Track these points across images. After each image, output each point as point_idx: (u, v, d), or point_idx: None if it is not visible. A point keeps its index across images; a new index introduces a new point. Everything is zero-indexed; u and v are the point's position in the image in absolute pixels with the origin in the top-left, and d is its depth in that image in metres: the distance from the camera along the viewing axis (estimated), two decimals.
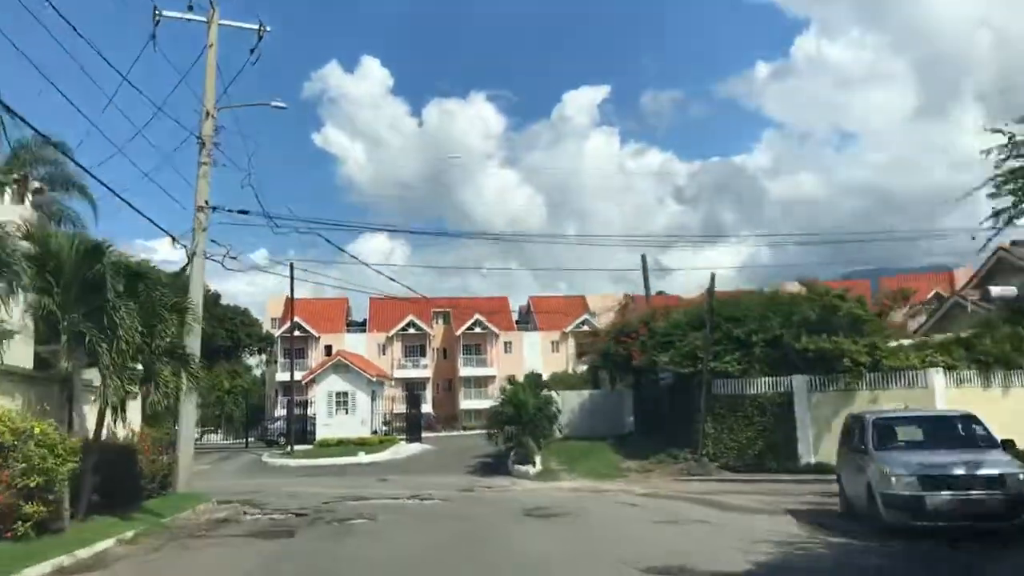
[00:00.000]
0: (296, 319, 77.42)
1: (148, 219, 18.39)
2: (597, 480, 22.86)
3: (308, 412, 39.53)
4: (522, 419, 26.97)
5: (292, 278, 35.80)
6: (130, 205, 16.82)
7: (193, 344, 19.03)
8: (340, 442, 36.15)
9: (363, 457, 33.25)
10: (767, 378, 23.18)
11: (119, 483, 15.46)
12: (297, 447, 36.28)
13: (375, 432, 37.89)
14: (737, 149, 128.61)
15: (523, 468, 25.84)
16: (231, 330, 39.61)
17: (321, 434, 36.97)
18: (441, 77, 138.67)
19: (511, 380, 32.27)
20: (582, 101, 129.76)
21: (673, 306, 29.19)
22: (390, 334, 76.16)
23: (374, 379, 37.66)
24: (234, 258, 20.88)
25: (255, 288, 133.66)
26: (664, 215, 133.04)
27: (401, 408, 40.49)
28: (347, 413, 37.12)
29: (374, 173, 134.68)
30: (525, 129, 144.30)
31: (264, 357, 41.95)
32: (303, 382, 40.54)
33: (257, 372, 55.25)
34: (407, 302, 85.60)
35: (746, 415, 23.26)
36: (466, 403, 74.70)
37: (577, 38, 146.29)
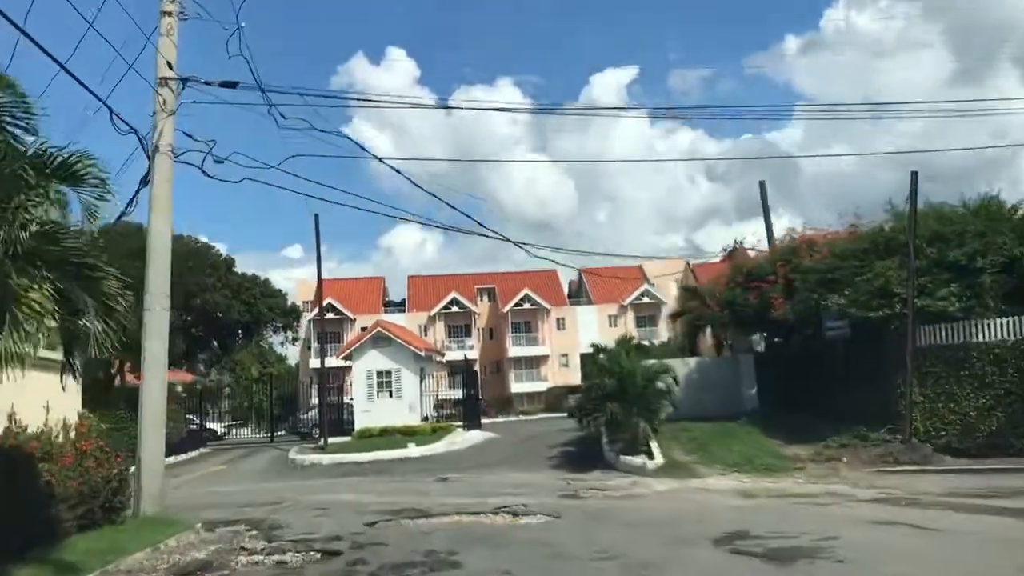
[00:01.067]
0: (328, 300, 71.55)
1: (81, 83, 11.14)
2: (760, 476, 15.83)
3: (344, 398, 32.81)
4: (627, 394, 19.94)
5: (317, 229, 29.04)
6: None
7: (158, 290, 12.45)
8: (384, 432, 29.40)
9: (413, 450, 26.44)
10: (1006, 319, 15.94)
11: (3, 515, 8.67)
12: (332, 440, 29.55)
13: (426, 419, 31.07)
14: (768, 125, 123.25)
15: (634, 460, 18.89)
16: (249, 303, 32.85)
17: (360, 423, 30.20)
18: (467, 64, 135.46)
19: (597, 348, 25.23)
20: (609, 82, 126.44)
21: (817, 242, 21.94)
22: (431, 313, 69.50)
23: (422, 354, 30.89)
24: (220, 161, 13.88)
25: (282, 277, 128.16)
26: (696, 194, 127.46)
27: (451, 393, 33.50)
28: (391, 396, 30.35)
29: (403, 163, 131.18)
30: (552, 115, 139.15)
31: (290, 335, 34.91)
32: (338, 358, 33.76)
33: (282, 350, 48.72)
34: (448, 279, 79.08)
35: (974, 374, 16.05)
36: (517, 386, 67.87)
37: (603, 19, 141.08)
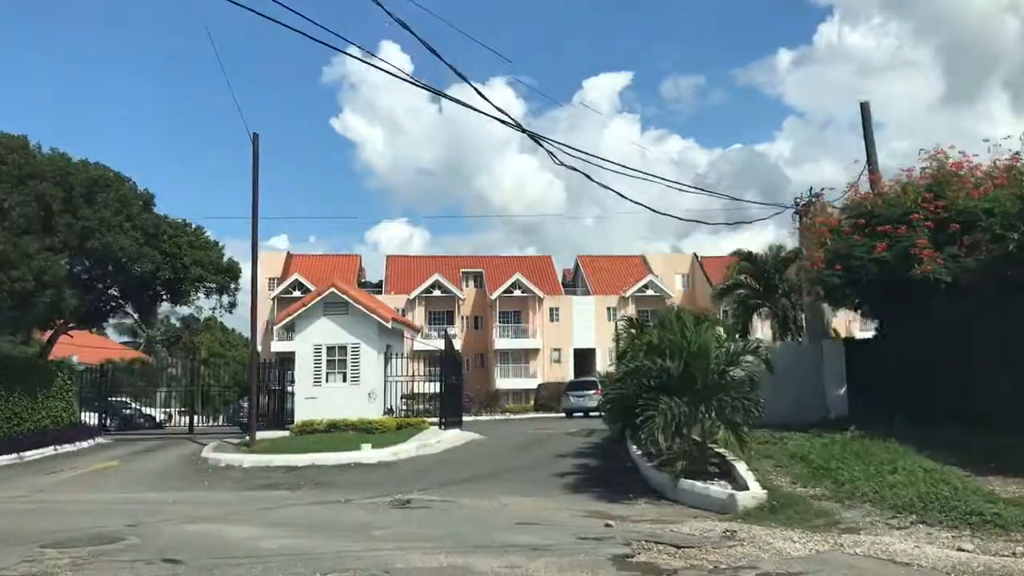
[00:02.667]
0: (296, 276, 64.15)
1: None
2: (983, 533, 8.56)
3: (285, 380, 25.37)
4: (695, 384, 12.72)
5: (255, 151, 21.58)
6: None
7: None
8: (333, 426, 22.06)
9: (368, 452, 19.21)
10: None
11: None
12: (267, 435, 22.24)
13: (391, 411, 23.62)
14: (758, 137, 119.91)
15: (709, 489, 11.80)
16: (171, 253, 25.30)
17: (303, 413, 22.75)
18: (460, 63, 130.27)
19: (633, 321, 18.01)
20: (603, 87, 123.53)
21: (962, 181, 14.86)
22: (411, 297, 62.25)
23: (389, 326, 23.43)
24: None
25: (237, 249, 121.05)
26: (686, 201, 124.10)
27: (427, 388, 26.04)
28: (345, 380, 22.92)
29: (393, 159, 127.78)
30: (545, 115, 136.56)
31: (226, 299, 27.45)
32: (277, 326, 26.33)
33: (213, 315, 41.15)
34: (431, 260, 71.52)
35: None
36: (503, 381, 60.66)
37: (598, 24, 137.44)
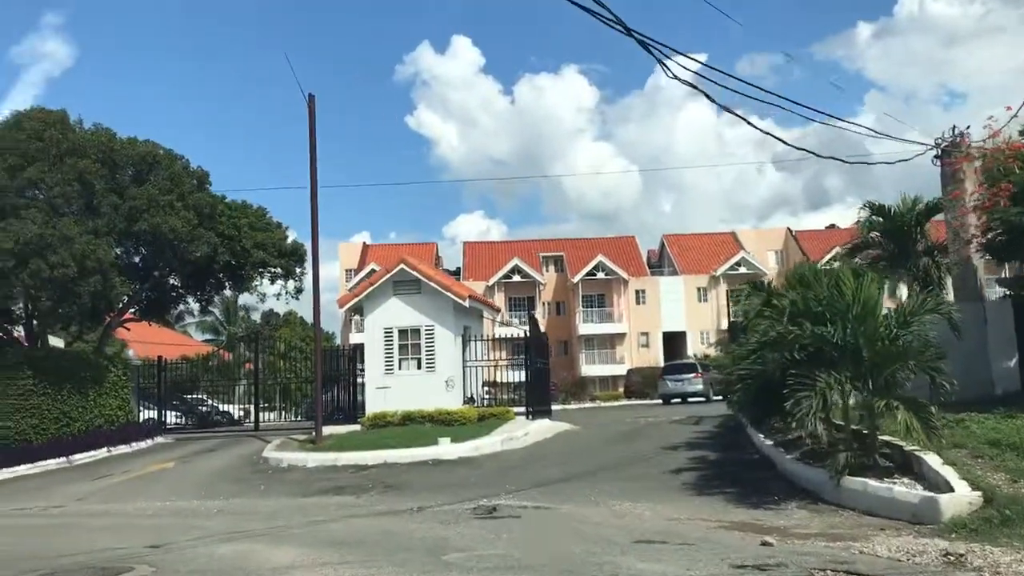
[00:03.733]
0: (373, 266, 62.28)
1: None
2: None
3: (356, 369, 23.04)
4: (862, 354, 9.76)
5: (312, 113, 19.20)
6: None
7: None
8: (408, 418, 19.64)
9: (447, 447, 16.68)
10: None
11: None
12: (336, 430, 19.94)
13: (471, 401, 21.09)
14: (839, 112, 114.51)
15: (894, 491, 8.89)
16: (230, 236, 23.22)
17: (374, 405, 20.37)
18: (532, 53, 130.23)
19: (757, 284, 15.05)
20: (676, 70, 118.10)
21: None
22: (489, 283, 59.84)
23: (466, 305, 20.82)
24: None
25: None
26: (764, 184, 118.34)
27: (511, 377, 23.42)
28: (419, 367, 20.47)
29: (467, 152, 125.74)
30: (618, 102, 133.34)
31: (292, 285, 25.28)
32: (342, 309, 23.91)
33: (283, 303, 39.48)
34: (510, 245, 68.88)
35: None
36: (588, 368, 57.78)
37: (671, 5, 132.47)
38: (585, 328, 59.11)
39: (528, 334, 21.56)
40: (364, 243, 67.81)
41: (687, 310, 59.53)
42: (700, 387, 32.31)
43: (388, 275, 20.59)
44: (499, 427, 18.89)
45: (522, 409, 20.80)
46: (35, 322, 22.11)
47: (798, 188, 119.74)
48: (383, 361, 20.65)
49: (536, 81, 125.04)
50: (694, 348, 57.05)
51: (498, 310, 24.53)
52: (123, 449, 21.08)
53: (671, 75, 10.10)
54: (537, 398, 21.19)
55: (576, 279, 59.35)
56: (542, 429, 19.45)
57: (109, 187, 20.59)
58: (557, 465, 15.09)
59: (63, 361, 20.39)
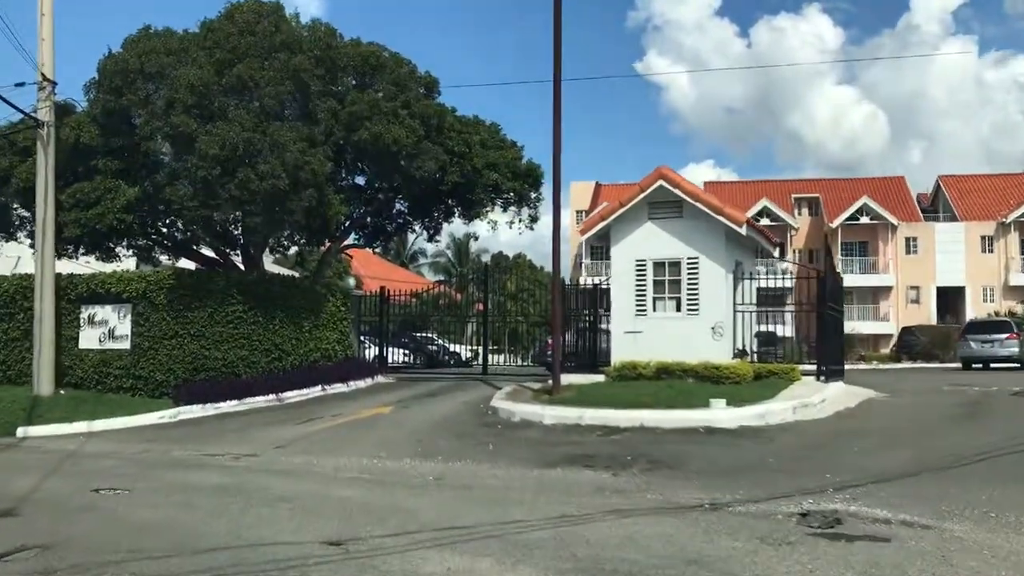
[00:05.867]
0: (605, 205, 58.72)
1: None
2: None
3: (598, 311, 19.45)
4: None
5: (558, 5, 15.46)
6: None
7: None
8: (663, 370, 15.86)
9: (722, 413, 12.74)
10: None
11: None
12: (574, 378, 16.61)
13: (742, 354, 16.90)
14: None
15: None
16: (460, 154, 20.30)
17: (620, 352, 16.69)
18: None
19: None
20: (932, 7, 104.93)
21: None
22: None
23: (742, 231, 16.34)
24: None
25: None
26: None
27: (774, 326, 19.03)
28: (679, 309, 16.50)
29: (697, 99, 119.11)
30: (865, 43, 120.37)
31: (526, 212, 22.09)
32: (582, 234, 20.11)
33: (511, 229, 36.67)
34: (757, 185, 62.49)
35: None
36: (849, 325, 51.19)
37: None
38: (845, 280, 52.49)
39: (821, 274, 17.01)
40: (596, 183, 64.22)
41: (968, 262, 51.39)
42: (1016, 350, 26.27)
43: (642, 193, 16.60)
44: (785, 389, 14.67)
45: (811, 368, 16.40)
46: (251, 247, 20.24)
47: None
48: (634, 301, 16.87)
49: (775, 22, 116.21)
50: (975, 306, 49.39)
51: (776, 244, 19.98)
52: (339, 388, 18.82)
53: None
54: (830, 355, 16.68)
55: (835, 224, 52.77)
56: (840, 395, 15.05)
57: (326, 90, 18.02)
58: (886, 449, 10.78)
59: (275, 287, 18.23)
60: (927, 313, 50.29)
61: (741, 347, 16.76)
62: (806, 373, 16.31)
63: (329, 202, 17.58)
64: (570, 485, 9.07)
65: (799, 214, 56.89)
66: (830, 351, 16.75)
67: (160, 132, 16.50)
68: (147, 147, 16.78)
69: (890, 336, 47.64)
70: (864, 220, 52.63)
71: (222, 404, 16.63)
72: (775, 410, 12.97)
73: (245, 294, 17.53)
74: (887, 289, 52.15)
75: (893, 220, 52.18)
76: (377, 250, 26.71)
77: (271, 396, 17.15)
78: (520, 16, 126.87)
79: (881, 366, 32.85)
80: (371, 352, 23.46)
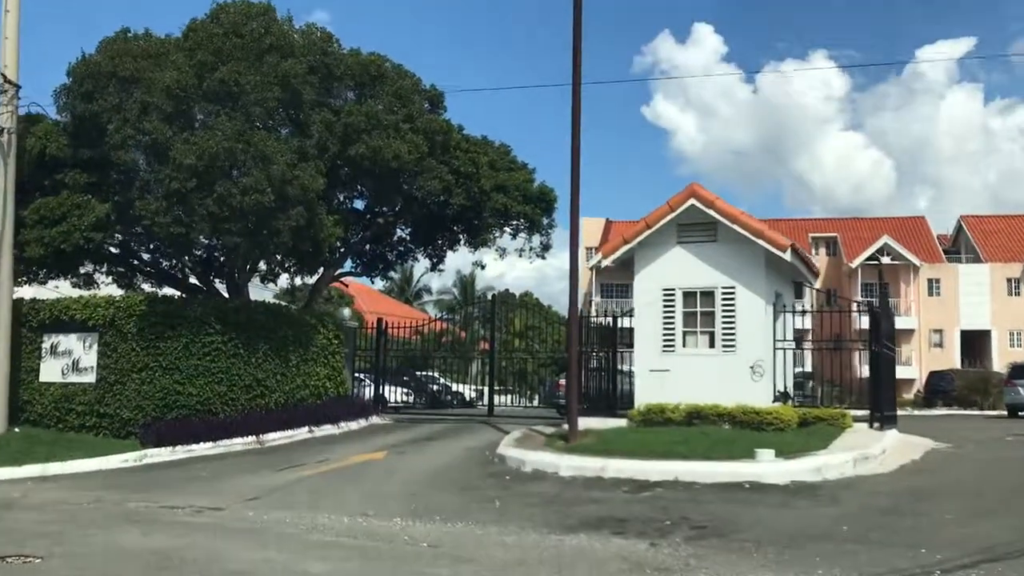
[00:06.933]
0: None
1: None
2: None
3: (616, 349, 17.52)
4: None
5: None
6: None
7: None
8: (695, 414, 13.95)
9: (770, 467, 10.80)
10: None
11: None
12: (593, 422, 14.65)
13: (784, 397, 14.93)
14: None
15: None
16: (466, 174, 18.63)
17: (646, 394, 14.76)
18: (778, 39, 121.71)
19: None
20: (939, 56, 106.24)
21: None
22: None
23: (786, 256, 14.39)
24: None
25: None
26: None
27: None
28: (713, 345, 14.54)
29: (705, 144, 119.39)
30: (871, 90, 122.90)
31: (537, 240, 20.31)
32: (601, 258, 18.02)
33: (522, 259, 35.02)
34: (772, 223, 60.95)
35: None
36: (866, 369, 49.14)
37: None
38: (865, 322, 50.49)
39: (875, 310, 15.14)
40: (607, 220, 62.48)
41: (994, 304, 49.36)
42: None
43: (672, 213, 14.71)
44: (837, 438, 12.75)
45: (862, 413, 14.45)
46: (237, 274, 18.44)
47: None
48: (661, 335, 14.96)
49: (782, 68, 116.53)
50: (1000, 351, 47.30)
51: (817, 273, 18.16)
52: (328, 430, 16.87)
53: None
54: (881, 399, 14.72)
55: (855, 263, 50.89)
56: (899, 446, 13.13)
57: (321, 100, 16.34)
58: (981, 514, 8.84)
59: (259, 315, 16.33)
60: (951, 357, 48.18)
61: (783, 389, 14.81)
62: (860, 419, 14.35)
63: (321, 223, 15.80)
64: (598, 559, 7.17)
65: (815, 253, 55.01)
66: (885, 395, 14.79)
67: (132, 140, 14.78)
68: (118, 157, 15.05)
69: (912, 381, 45.51)
70: (885, 260, 50.71)
71: (195, 447, 14.71)
72: (832, 463, 11.02)
73: (224, 323, 15.68)
74: (909, 332, 49.98)
75: (915, 260, 50.29)
76: (377, 281, 24.91)
77: (251, 438, 15.23)
78: (531, 31, 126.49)
79: (915, 412, 30.70)
80: (370, 391, 21.56)
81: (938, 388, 35.13)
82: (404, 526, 8.81)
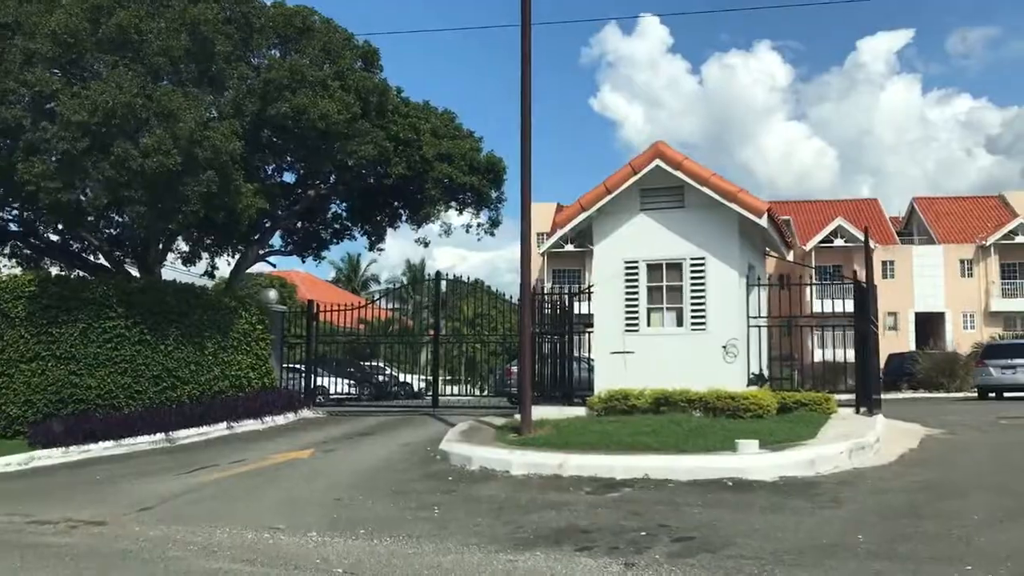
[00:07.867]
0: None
1: None
2: None
3: (571, 331, 15.89)
4: None
5: None
6: None
7: None
8: (664, 399, 12.41)
9: (753, 460, 9.28)
10: None
11: None
12: (550, 411, 13.03)
13: (760, 379, 13.48)
14: None
15: None
16: (405, 140, 16.81)
17: (607, 378, 13.20)
18: (723, 30, 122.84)
19: None
20: (879, 47, 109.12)
21: None
22: None
23: (762, 222, 13.00)
24: None
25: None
26: (973, 168, 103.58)
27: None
28: (681, 323, 13.01)
29: (652, 135, 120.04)
30: (814, 80, 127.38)
31: (485, 216, 18.56)
32: (559, 231, 16.31)
33: (469, 240, 33.38)
34: None
35: None
36: (824, 352, 48.40)
37: None
38: (819, 305, 49.74)
39: (860, 288, 13.74)
40: (558, 204, 61.04)
41: (948, 286, 49.01)
42: None
43: (634, 176, 13.04)
44: (824, 425, 11.30)
45: (847, 398, 13.05)
46: (148, 252, 16.45)
47: (1014, 170, 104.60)
48: (623, 313, 13.38)
49: (726, 59, 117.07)
50: (955, 332, 46.97)
51: (791, 246, 16.74)
52: (250, 425, 15.03)
53: None
54: (866, 383, 13.31)
55: (809, 246, 50.15)
56: (892, 433, 11.75)
57: (238, 54, 14.43)
58: (1017, 515, 7.38)
59: (168, 297, 14.39)
60: (906, 340, 47.72)
61: (758, 371, 13.35)
62: (845, 404, 12.95)
63: (237, 189, 13.93)
64: None
65: None
66: (870, 377, 13.39)
67: (14, 95, 12.75)
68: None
69: None
70: (839, 242, 50.13)
71: (93, 446, 12.82)
72: (826, 455, 9.53)
73: (129, 305, 13.75)
74: None
75: (871, 243, 49.68)
76: (323, 269, 23.12)
77: (159, 436, 13.37)
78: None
79: (885, 395, 29.65)
80: (321, 382, 19.76)
81: (900, 370, 34.20)
82: (319, 543, 7.12)
